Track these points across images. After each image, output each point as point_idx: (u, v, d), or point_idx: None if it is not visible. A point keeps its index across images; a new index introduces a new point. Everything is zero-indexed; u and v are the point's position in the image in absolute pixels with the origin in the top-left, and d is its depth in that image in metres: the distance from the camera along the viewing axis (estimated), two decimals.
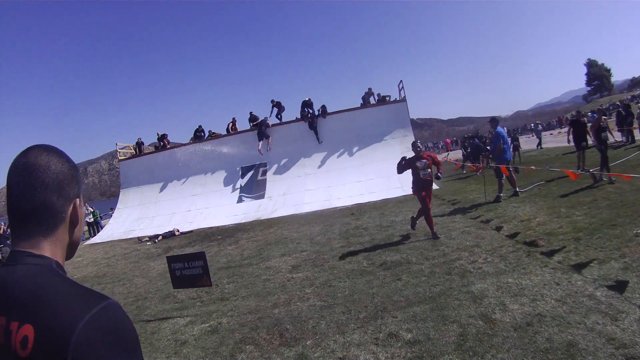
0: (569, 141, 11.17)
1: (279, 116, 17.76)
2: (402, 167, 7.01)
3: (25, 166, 0.84)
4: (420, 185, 6.85)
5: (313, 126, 16.30)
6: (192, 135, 18.77)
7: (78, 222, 0.91)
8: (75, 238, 0.92)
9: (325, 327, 3.98)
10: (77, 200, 0.90)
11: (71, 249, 0.92)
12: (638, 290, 3.57)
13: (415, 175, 6.88)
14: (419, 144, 7.11)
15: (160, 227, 14.87)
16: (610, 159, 10.34)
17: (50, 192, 0.84)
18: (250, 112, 17.79)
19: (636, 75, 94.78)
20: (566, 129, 35.89)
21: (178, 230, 13.60)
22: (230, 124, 18.20)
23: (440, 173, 7.10)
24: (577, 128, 10.45)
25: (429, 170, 6.84)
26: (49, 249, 0.84)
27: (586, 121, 12.98)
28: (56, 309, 0.72)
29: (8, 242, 15.38)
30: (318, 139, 16.31)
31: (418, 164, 6.81)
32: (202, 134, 18.55)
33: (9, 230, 15.98)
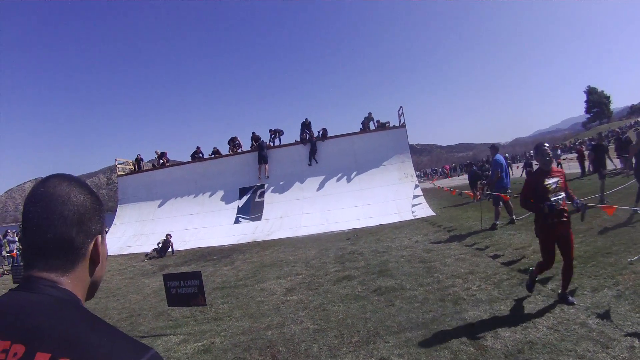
0: (590, 169, 10.63)
1: (278, 140, 18.02)
2: (528, 191, 4.25)
3: (43, 196, 0.79)
4: (549, 222, 4.09)
5: (312, 147, 16.51)
6: (190, 158, 18.79)
7: (99, 260, 0.85)
8: (96, 277, 0.86)
9: (318, 351, 3.97)
10: (99, 237, 0.85)
11: (92, 289, 0.86)
12: (630, 318, 3.60)
13: (539, 201, 4.13)
14: (547, 149, 4.28)
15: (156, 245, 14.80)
16: (608, 186, 10.43)
17: (69, 225, 0.78)
18: (253, 132, 18.03)
19: (635, 103, 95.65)
20: (565, 155, 36.07)
21: (170, 235, 13.57)
22: (231, 144, 18.38)
23: (579, 201, 4.23)
24: (599, 153, 10.15)
25: (563, 194, 4.13)
26: (70, 286, 0.78)
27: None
28: (104, 350, 0.66)
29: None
30: (315, 159, 16.49)
31: (547, 183, 4.13)
32: (201, 156, 18.66)
33: (18, 239, 15.86)
